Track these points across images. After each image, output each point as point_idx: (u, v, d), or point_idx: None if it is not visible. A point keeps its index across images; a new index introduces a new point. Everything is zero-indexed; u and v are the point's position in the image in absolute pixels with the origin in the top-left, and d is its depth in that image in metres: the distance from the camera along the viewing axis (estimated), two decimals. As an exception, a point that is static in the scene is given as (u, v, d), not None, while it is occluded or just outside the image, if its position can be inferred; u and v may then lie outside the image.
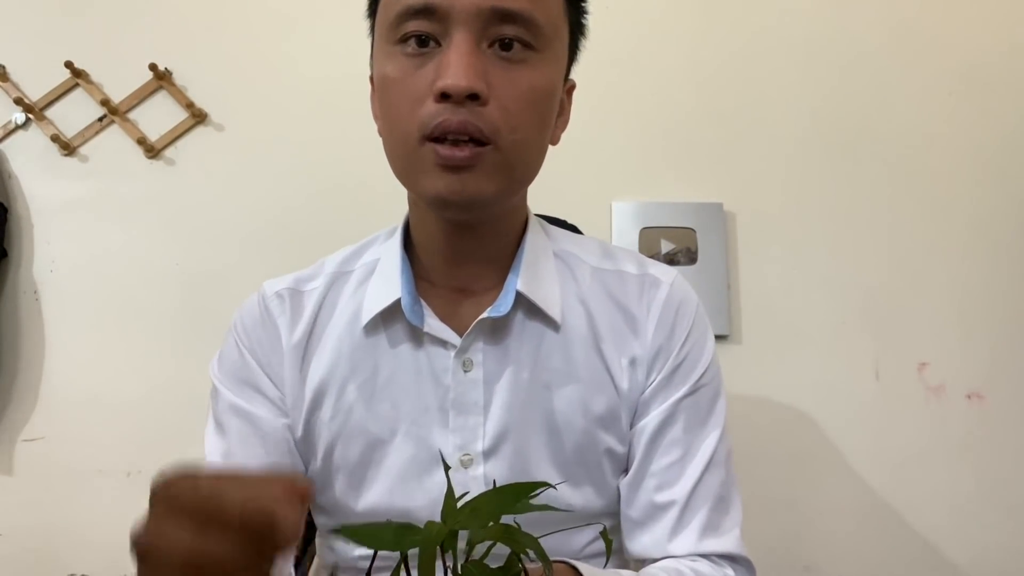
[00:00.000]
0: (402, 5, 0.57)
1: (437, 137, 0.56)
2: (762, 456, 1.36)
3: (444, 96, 0.55)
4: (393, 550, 0.34)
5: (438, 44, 0.57)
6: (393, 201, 1.44)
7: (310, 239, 1.45)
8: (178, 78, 1.51)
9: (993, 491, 1.34)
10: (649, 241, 1.42)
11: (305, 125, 1.49)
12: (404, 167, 0.61)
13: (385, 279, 0.67)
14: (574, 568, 0.55)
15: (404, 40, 0.58)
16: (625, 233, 1.42)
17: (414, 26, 0.57)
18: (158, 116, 1.50)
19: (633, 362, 0.67)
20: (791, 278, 1.42)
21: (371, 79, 0.66)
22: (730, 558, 0.65)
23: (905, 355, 1.38)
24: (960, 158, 1.44)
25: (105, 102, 1.49)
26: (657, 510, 0.65)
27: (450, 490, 0.37)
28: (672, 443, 0.66)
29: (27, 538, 1.40)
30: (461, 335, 0.64)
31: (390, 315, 0.66)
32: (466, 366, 0.64)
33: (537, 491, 0.35)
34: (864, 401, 1.37)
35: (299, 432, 0.67)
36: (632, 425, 0.67)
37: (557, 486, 0.63)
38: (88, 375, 1.43)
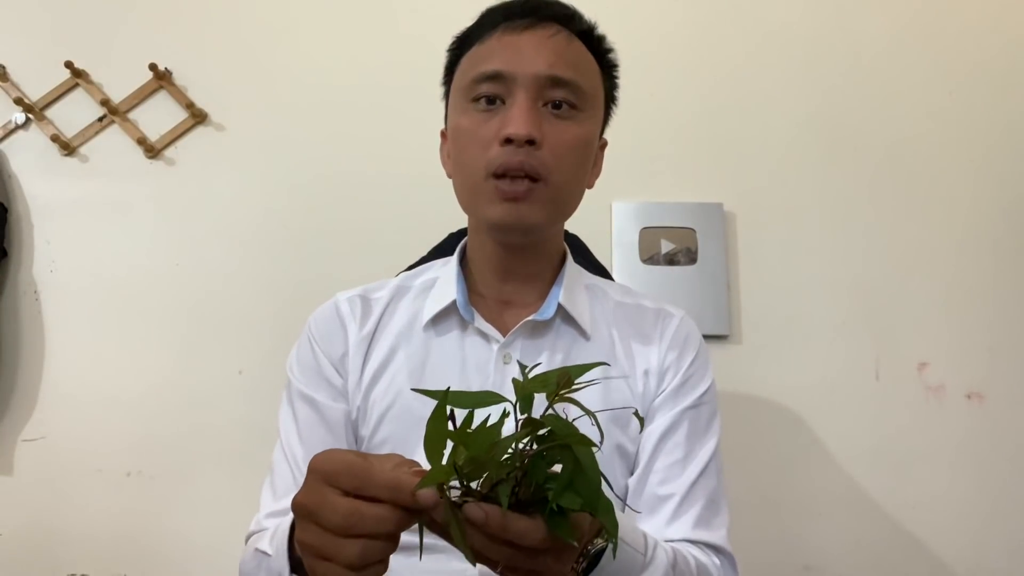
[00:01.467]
0: (477, 72, 0.73)
1: (500, 174, 0.70)
2: (762, 455, 1.36)
3: (508, 141, 0.69)
4: (477, 407, 0.42)
5: (503, 103, 0.72)
6: (393, 200, 1.45)
7: (310, 239, 1.45)
8: (178, 78, 1.51)
9: (993, 491, 1.34)
10: (649, 241, 1.42)
11: (305, 125, 1.49)
12: (471, 199, 0.75)
13: (444, 288, 0.80)
14: None
15: (476, 99, 0.73)
16: (625, 233, 1.42)
17: (486, 88, 0.72)
18: (158, 116, 1.50)
19: (647, 372, 0.78)
20: (791, 278, 1.42)
21: (442, 133, 0.83)
22: (717, 549, 0.73)
23: (905, 355, 1.38)
24: (960, 158, 1.44)
25: (105, 102, 1.49)
26: (658, 501, 0.74)
27: (523, 368, 0.46)
28: (675, 445, 0.75)
29: (27, 538, 1.40)
30: (503, 336, 0.76)
31: (444, 317, 0.79)
32: (506, 359, 0.76)
33: (593, 368, 0.46)
34: (864, 401, 1.37)
35: (355, 412, 0.77)
36: (642, 428, 0.77)
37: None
38: (88, 375, 1.43)
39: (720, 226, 1.42)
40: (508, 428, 0.41)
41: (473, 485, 0.43)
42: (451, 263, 0.82)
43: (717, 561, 0.71)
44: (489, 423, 0.41)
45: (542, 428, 0.41)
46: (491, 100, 0.72)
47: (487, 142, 0.71)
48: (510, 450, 0.41)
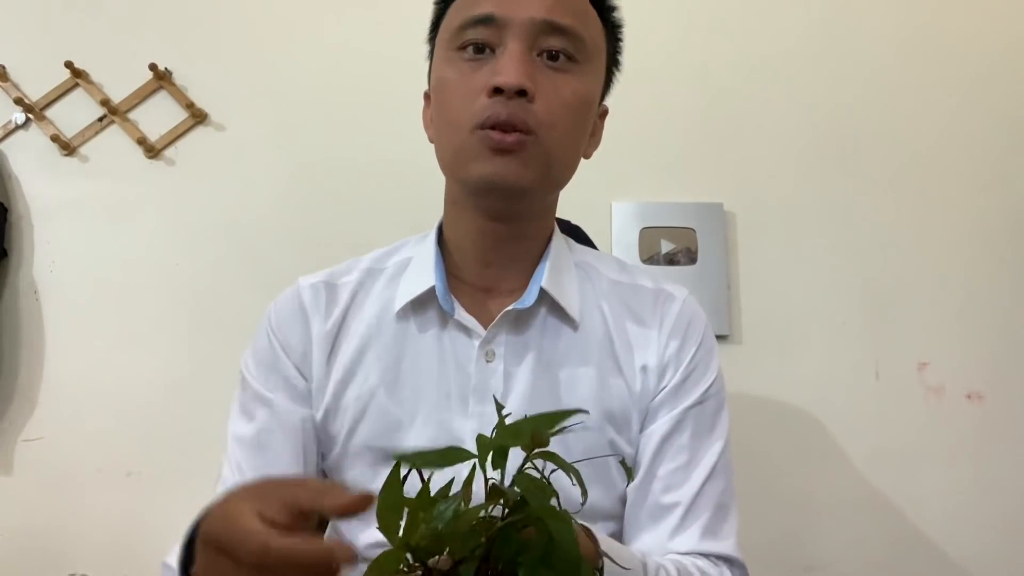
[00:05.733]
0: (466, 16, 0.65)
1: (487, 127, 0.63)
2: (762, 456, 1.36)
3: (497, 91, 0.62)
4: (441, 467, 0.36)
5: (492, 52, 0.65)
6: (392, 200, 1.45)
7: (310, 239, 1.45)
8: (178, 78, 1.51)
9: (992, 491, 1.34)
10: (649, 241, 1.42)
11: (305, 125, 1.49)
12: (455, 155, 0.67)
13: (419, 272, 0.72)
14: (590, 533, 0.55)
15: (463, 47, 0.66)
16: (625, 233, 1.42)
17: (473, 34, 0.65)
18: (158, 116, 1.50)
19: (645, 368, 0.71)
20: (791, 278, 1.42)
21: (425, 95, 0.75)
22: (727, 560, 0.68)
23: (905, 355, 1.38)
24: (960, 158, 1.44)
25: (105, 102, 1.49)
26: (662, 511, 0.68)
27: (500, 415, 0.40)
28: (679, 449, 0.69)
29: (27, 538, 1.40)
30: (486, 328, 0.69)
31: (420, 306, 0.71)
32: (488, 356, 0.69)
33: (570, 416, 0.39)
34: (864, 401, 1.37)
35: (320, 416, 0.70)
36: (642, 429, 0.71)
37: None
38: (88, 375, 1.43)
39: (720, 226, 1.42)
40: (479, 486, 0.36)
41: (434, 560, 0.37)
42: (428, 241, 0.75)
43: (728, 573, 0.67)
44: (458, 479, 0.36)
45: (512, 495, 0.36)
46: (479, 48, 0.65)
47: (474, 94, 0.64)
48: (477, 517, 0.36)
